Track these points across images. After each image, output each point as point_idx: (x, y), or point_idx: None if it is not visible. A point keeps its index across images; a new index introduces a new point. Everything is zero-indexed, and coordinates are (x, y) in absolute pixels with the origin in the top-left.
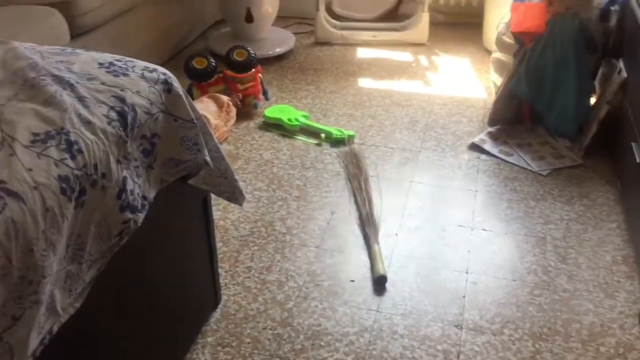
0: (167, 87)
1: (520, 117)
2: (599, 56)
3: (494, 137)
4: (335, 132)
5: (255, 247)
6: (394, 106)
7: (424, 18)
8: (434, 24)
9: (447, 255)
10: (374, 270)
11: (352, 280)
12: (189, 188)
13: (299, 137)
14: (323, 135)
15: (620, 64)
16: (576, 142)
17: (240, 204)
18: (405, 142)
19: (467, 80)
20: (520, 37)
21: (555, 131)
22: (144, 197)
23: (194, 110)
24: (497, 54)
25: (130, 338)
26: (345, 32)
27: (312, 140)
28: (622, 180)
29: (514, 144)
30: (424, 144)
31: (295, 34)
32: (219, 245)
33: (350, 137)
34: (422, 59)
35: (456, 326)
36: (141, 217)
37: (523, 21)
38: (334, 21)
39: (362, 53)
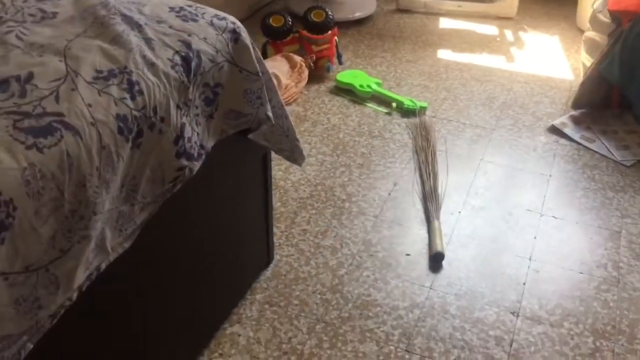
0: (235, 36)
1: (608, 102)
2: None
3: (576, 121)
4: (407, 101)
5: (313, 211)
6: (472, 81)
7: None
8: None
9: (510, 239)
10: (432, 246)
11: (408, 254)
12: (249, 143)
13: (369, 104)
14: (394, 104)
15: None
16: None
17: (300, 164)
18: (480, 119)
19: (554, 59)
20: (618, 15)
21: None
22: (202, 146)
23: (261, 63)
24: (590, 33)
25: (179, 288)
26: (428, 0)
27: (383, 109)
28: None
29: (598, 130)
30: (499, 122)
31: None
32: (277, 205)
33: (422, 109)
34: (508, 34)
35: (512, 313)
36: (197, 165)
37: None
38: None
39: (444, 23)
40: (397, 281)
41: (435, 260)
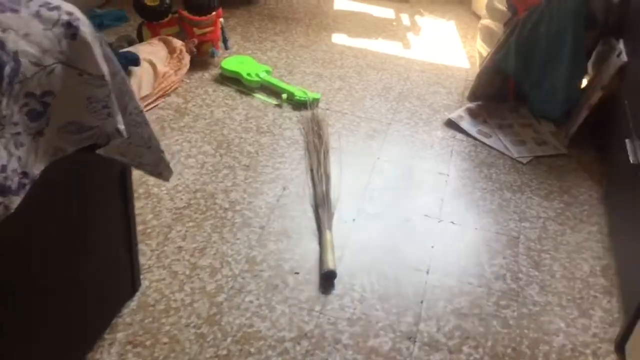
0: (71, 31)
1: (504, 94)
2: (597, 34)
3: (473, 114)
4: (298, 92)
5: (191, 224)
6: (368, 69)
7: None
8: None
9: (408, 250)
10: (323, 262)
11: (297, 273)
12: (100, 157)
13: (257, 95)
14: (285, 95)
15: (621, 46)
16: (562, 127)
17: (167, 179)
18: (375, 112)
19: (451, 47)
20: (514, 4)
21: (540, 113)
22: (24, 174)
23: (110, 62)
24: (486, 21)
25: (22, 330)
26: None
27: (272, 100)
28: (609, 178)
29: (494, 124)
30: (396, 116)
31: None
32: (148, 217)
33: (315, 100)
34: (404, 18)
35: (409, 339)
36: (17, 199)
37: None
38: None
39: (339, 4)
40: (284, 306)
41: (327, 279)
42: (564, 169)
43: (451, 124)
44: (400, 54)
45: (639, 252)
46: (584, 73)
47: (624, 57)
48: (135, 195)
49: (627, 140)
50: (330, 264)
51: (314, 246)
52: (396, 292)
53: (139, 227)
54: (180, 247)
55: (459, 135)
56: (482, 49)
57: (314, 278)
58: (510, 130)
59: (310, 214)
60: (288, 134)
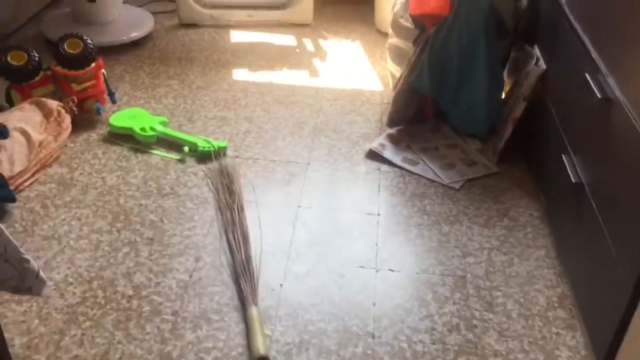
0: None
1: (424, 115)
2: (509, 42)
3: (395, 140)
4: (201, 143)
5: (88, 323)
6: (276, 104)
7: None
8: (319, 0)
9: (347, 313)
10: (252, 347)
11: None
12: None
13: (155, 152)
14: (186, 148)
15: (537, 52)
16: (488, 143)
17: (38, 294)
18: (290, 152)
19: (360, 69)
20: (420, 20)
21: (463, 131)
22: None
23: None
24: (393, 40)
25: None
26: (215, 12)
27: (173, 155)
28: (548, 196)
29: (419, 149)
30: (313, 154)
31: (154, 13)
32: (34, 324)
33: (221, 149)
34: (307, 43)
35: None
36: None
37: (424, 1)
38: None
39: (236, 37)
40: None
41: None
42: (498, 189)
43: (374, 155)
44: (308, 84)
45: (592, 277)
46: (502, 84)
47: (543, 64)
48: (15, 298)
49: (564, 157)
50: (260, 348)
51: (241, 328)
52: None
53: (23, 339)
54: (76, 357)
55: (384, 167)
56: (393, 70)
57: None
58: (437, 154)
59: (231, 287)
60: (195, 192)
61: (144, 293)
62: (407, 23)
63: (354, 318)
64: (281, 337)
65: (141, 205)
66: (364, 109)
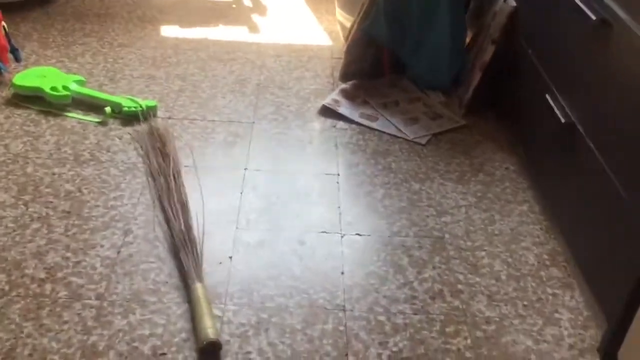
0: None
1: (380, 69)
2: None
3: (349, 96)
4: (126, 102)
5: None
6: (212, 62)
7: None
8: None
9: (311, 284)
10: (199, 331)
11: (163, 354)
12: None
13: (70, 114)
14: (108, 108)
15: None
16: (452, 96)
17: None
18: (232, 111)
19: (305, 24)
20: None
21: (425, 84)
22: None
23: None
24: None
25: None
26: None
27: (93, 118)
28: (528, 146)
29: (377, 104)
30: (259, 112)
31: None
32: None
33: (151, 109)
34: None
35: None
36: None
37: None
38: None
39: None
40: None
41: (209, 354)
42: (468, 143)
43: (327, 112)
44: (249, 40)
45: (594, 227)
46: (466, 30)
47: (512, 2)
48: None
49: (548, 97)
50: (209, 332)
51: (183, 310)
52: (311, 347)
53: None
54: None
55: (340, 124)
56: (343, 19)
57: (191, 356)
58: (397, 109)
59: (169, 262)
60: (121, 157)
61: (59, 275)
62: None
63: (320, 291)
64: (234, 317)
65: (54, 174)
66: (313, 65)
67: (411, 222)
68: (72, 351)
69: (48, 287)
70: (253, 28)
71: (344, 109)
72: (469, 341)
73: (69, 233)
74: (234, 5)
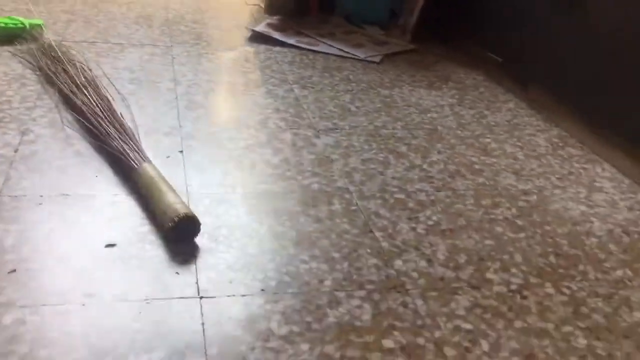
0: None
1: (305, 8)
2: None
3: (279, 28)
4: (3, 20)
5: None
6: (105, 3)
7: None
8: None
9: (298, 169)
10: (162, 214)
11: (111, 245)
12: None
13: None
14: None
15: None
16: (392, 29)
17: None
18: (143, 37)
19: None
20: None
21: (359, 18)
22: None
23: None
24: None
25: None
26: None
27: None
28: (505, 52)
29: (313, 34)
30: (175, 39)
31: None
32: None
33: (36, 28)
34: None
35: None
36: None
37: None
38: None
39: None
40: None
41: (184, 235)
42: (425, 62)
43: (259, 38)
44: None
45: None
46: None
47: None
48: None
49: None
50: (178, 208)
51: (128, 200)
52: (321, 227)
53: None
54: None
55: (277, 48)
56: None
57: (154, 243)
58: (336, 38)
59: (95, 158)
60: (2, 70)
61: None
62: None
63: (310, 176)
64: (209, 209)
65: None
66: (227, 6)
67: (394, 118)
68: None
69: None
70: None
71: (278, 35)
72: (513, 210)
73: None
74: None
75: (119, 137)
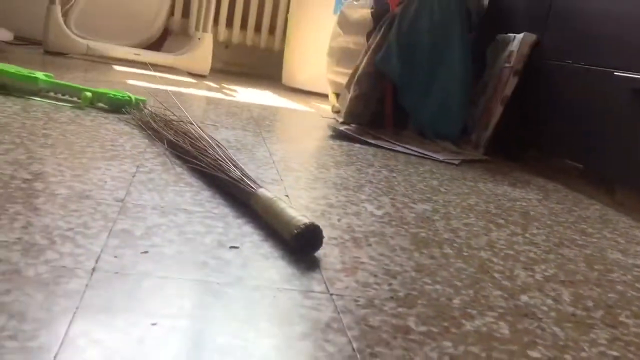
0: None
1: (381, 120)
2: (474, 37)
3: (357, 132)
4: (112, 92)
5: None
6: (193, 99)
7: (207, 40)
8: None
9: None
10: (287, 223)
11: (234, 247)
12: None
13: (39, 99)
14: (88, 93)
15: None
16: (463, 143)
17: None
18: (234, 123)
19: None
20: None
21: (432, 132)
22: None
23: None
24: (339, 40)
25: None
26: (93, 43)
27: (66, 104)
28: (585, 159)
29: (389, 140)
30: (263, 129)
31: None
32: None
33: (141, 102)
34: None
35: None
36: None
37: None
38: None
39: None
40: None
41: (308, 245)
42: (502, 171)
43: (340, 137)
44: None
45: None
46: (473, 78)
47: (527, 36)
48: None
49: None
50: (300, 219)
51: (243, 221)
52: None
53: None
54: None
55: (358, 145)
56: (336, 77)
57: (278, 249)
58: (413, 144)
59: (205, 189)
60: (111, 127)
61: (52, 180)
62: (361, 11)
63: (421, 228)
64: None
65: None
66: (303, 113)
67: (484, 201)
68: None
69: (38, 185)
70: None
71: (358, 135)
72: (629, 277)
73: (60, 166)
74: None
75: (232, 168)
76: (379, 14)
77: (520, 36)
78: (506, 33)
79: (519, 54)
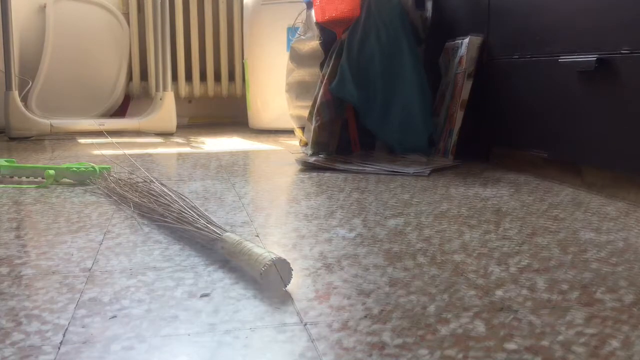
0: None
1: (348, 146)
2: (423, 49)
3: (327, 160)
4: (74, 166)
5: None
6: (159, 157)
7: (168, 99)
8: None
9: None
10: (254, 262)
11: (205, 295)
12: None
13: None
14: (52, 171)
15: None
16: (432, 154)
17: None
18: (202, 175)
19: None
20: (330, 28)
21: (401, 148)
22: None
23: None
24: (294, 75)
25: None
26: (56, 121)
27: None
28: (549, 147)
29: (358, 163)
30: (232, 174)
31: None
32: None
33: (105, 171)
34: (187, 151)
35: None
36: None
37: (329, 6)
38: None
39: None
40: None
41: (278, 282)
42: (473, 172)
43: (309, 169)
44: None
45: None
46: (430, 89)
47: (474, 40)
48: None
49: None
50: (266, 255)
51: (212, 269)
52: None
53: None
54: None
55: (327, 173)
56: (298, 111)
57: (250, 289)
58: (382, 162)
59: (173, 244)
60: (76, 200)
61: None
62: (310, 43)
63: (394, 243)
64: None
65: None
66: (272, 152)
67: (456, 205)
68: None
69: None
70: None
71: (327, 165)
72: (603, 254)
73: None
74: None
75: (197, 217)
76: (328, 43)
77: (466, 40)
78: (453, 39)
79: (468, 57)
